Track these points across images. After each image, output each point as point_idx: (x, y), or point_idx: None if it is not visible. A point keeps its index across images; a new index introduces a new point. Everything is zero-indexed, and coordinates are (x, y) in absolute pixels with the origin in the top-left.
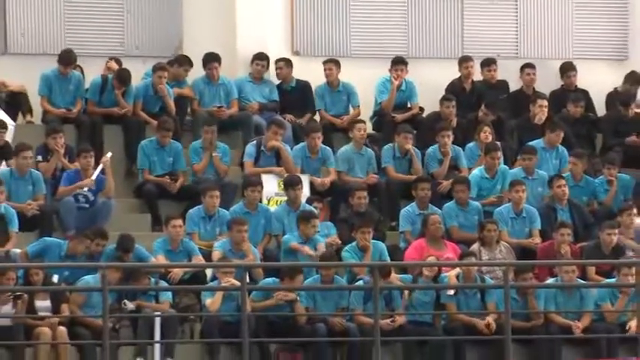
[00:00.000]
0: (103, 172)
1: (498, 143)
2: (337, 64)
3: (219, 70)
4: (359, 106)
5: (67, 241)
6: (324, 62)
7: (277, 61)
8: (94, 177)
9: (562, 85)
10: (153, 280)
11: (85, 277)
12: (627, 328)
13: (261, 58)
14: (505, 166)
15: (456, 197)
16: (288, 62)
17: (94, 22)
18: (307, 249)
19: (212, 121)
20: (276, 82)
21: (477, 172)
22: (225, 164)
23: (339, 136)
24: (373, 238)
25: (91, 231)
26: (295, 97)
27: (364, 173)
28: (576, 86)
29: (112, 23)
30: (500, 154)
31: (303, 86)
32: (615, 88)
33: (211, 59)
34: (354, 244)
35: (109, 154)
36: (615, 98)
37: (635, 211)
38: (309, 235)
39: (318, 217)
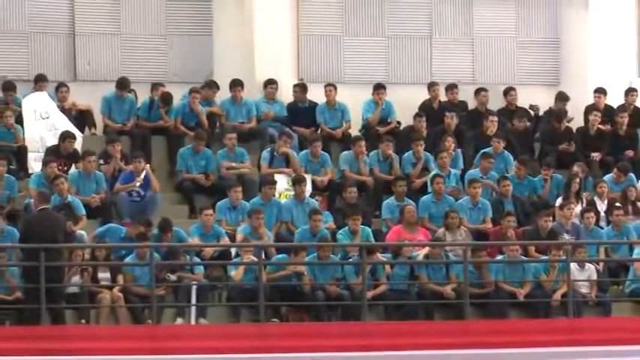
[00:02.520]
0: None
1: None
2: (335, 87)
3: (241, 93)
4: (350, 121)
5: (124, 227)
6: (325, 86)
7: (295, 86)
8: (142, 176)
9: (506, 104)
10: (189, 256)
11: (131, 255)
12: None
13: (272, 82)
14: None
15: (433, 188)
16: (303, 87)
17: (143, 55)
18: None
19: (232, 131)
20: (287, 101)
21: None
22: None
23: (336, 144)
24: (361, 224)
25: (142, 220)
26: (307, 114)
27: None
28: (516, 105)
29: (158, 56)
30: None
31: (314, 106)
32: (550, 107)
33: (235, 84)
34: (346, 228)
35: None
36: (550, 115)
37: (572, 205)
38: (316, 228)
39: (321, 212)
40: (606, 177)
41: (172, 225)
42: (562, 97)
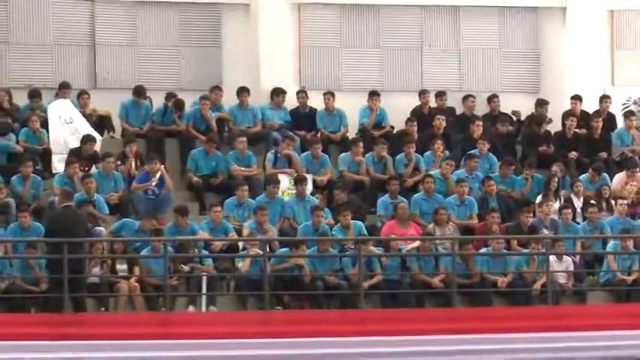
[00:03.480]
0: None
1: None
2: (333, 95)
3: (248, 99)
4: (347, 125)
5: (139, 221)
6: (324, 94)
7: (299, 92)
8: (157, 176)
9: (490, 110)
10: (198, 249)
11: (147, 248)
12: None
13: (282, 92)
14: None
15: (424, 187)
16: (306, 93)
17: (158, 65)
18: None
19: (242, 135)
20: (289, 107)
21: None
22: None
23: (334, 147)
24: (357, 220)
25: (154, 215)
26: (308, 119)
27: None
28: (499, 110)
29: (171, 66)
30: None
31: (315, 111)
32: (532, 112)
33: (242, 91)
34: (339, 224)
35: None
36: (531, 120)
37: (551, 203)
38: (318, 224)
39: (322, 209)
40: (582, 177)
41: (189, 211)
42: (541, 102)
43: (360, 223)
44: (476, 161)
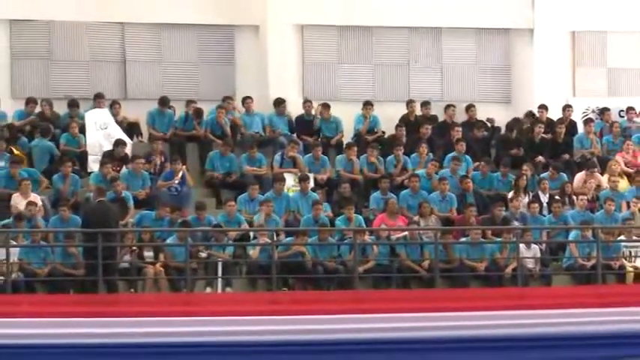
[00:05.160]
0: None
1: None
2: (327, 106)
3: (252, 104)
4: (342, 131)
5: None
6: (319, 104)
7: (305, 102)
8: (179, 175)
9: (468, 118)
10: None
11: (171, 236)
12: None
13: (282, 101)
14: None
15: (410, 185)
16: (311, 103)
17: (179, 78)
18: None
19: (254, 143)
20: (293, 115)
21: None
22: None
23: (332, 149)
24: (354, 213)
25: (179, 208)
26: (310, 125)
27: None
28: (476, 118)
29: (191, 79)
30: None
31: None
32: (509, 120)
33: (247, 99)
34: (342, 216)
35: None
36: (507, 126)
37: (520, 198)
38: (319, 216)
39: (322, 203)
40: (544, 175)
41: (206, 206)
42: (521, 116)
43: (360, 216)
44: (457, 163)
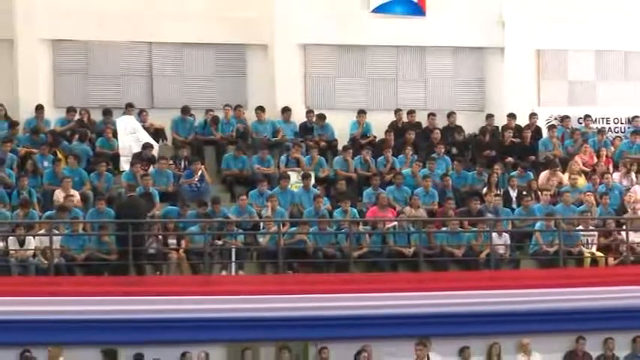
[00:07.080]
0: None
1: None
2: (323, 116)
3: (263, 115)
4: (335, 136)
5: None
6: (315, 114)
7: (308, 111)
8: (199, 174)
9: (448, 124)
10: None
11: (193, 226)
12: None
13: (288, 109)
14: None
15: (395, 182)
16: (313, 112)
17: (199, 90)
18: None
19: (265, 146)
20: (298, 122)
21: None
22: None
23: (330, 152)
24: (350, 206)
25: (198, 201)
26: (313, 131)
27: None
28: (455, 124)
29: (209, 91)
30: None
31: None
32: (482, 127)
33: (258, 109)
34: (339, 209)
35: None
36: (480, 131)
37: (493, 193)
38: (319, 209)
39: (322, 197)
40: (513, 173)
41: (220, 201)
42: (488, 116)
43: (354, 209)
44: (432, 163)
